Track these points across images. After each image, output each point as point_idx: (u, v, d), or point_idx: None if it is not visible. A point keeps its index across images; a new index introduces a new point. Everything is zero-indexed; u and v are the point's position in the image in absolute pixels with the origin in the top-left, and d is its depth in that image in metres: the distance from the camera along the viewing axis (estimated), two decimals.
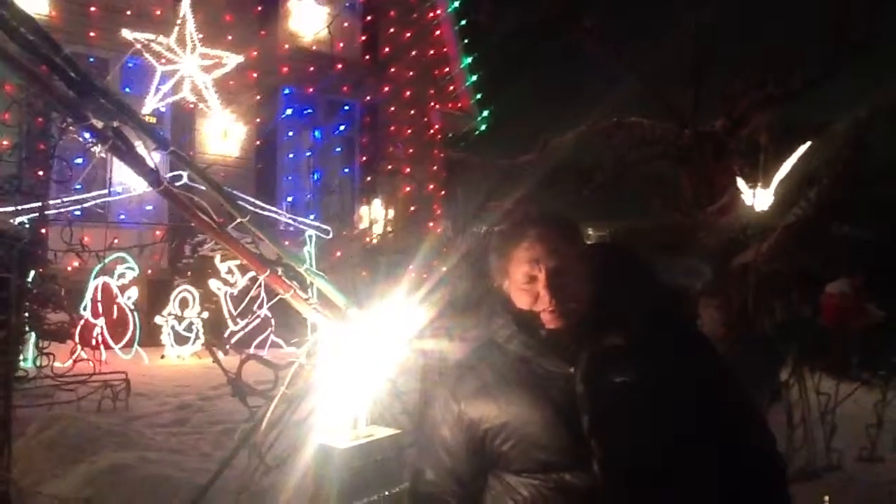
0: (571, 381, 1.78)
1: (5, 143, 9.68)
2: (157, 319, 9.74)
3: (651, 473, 1.72)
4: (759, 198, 10.22)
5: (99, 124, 1.67)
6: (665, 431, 1.73)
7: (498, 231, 1.98)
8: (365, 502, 1.82)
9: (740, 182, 10.37)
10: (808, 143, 10.27)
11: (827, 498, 4.52)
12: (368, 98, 15.26)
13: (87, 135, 1.81)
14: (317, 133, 14.73)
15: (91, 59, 11.82)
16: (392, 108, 15.57)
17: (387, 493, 1.87)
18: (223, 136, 13.01)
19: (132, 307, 9.51)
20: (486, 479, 1.90)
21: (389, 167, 15.39)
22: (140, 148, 1.85)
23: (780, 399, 6.86)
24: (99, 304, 9.11)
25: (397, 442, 1.93)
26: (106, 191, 9.70)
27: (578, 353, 1.79)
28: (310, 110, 14.75)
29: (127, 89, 12.04)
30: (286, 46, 13.99)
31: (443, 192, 16.09)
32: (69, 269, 8.81)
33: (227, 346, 6.18)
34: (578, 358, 1.79)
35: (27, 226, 7.92)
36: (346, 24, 15.01)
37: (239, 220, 1.81)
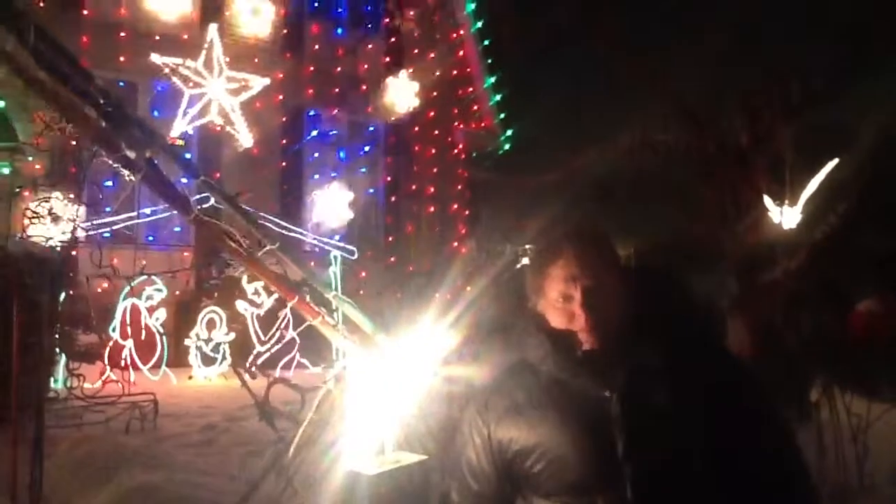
0: (606, 403, 1.76)
1: (38, 167, 9.87)
2: (185, 341, 9.83)
3: (685, 496, 1.70)
4: (786, 216, 10.15)
5: (132, 154, 1.70)
6: (700, 454, 1.71)
7: (535, 249, 1.98)
8: None
9: (767, 200, 10.31)
10: (836, 160, 10.20)
11: None
12: (393, 118, 15.36)
13: (118, 164, 1.85)
14: (341, 154, 14.83)
15: (120, 84, 12.03)
16: (416, 128, 15.64)
17: None
18: (249, 157, 13.16)
19: (160, 329, 9.61)
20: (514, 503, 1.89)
21: (414, 187, 15.45)
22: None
23: (809, 419, 6.76)
24: (128, 326, 9.21)
25: (424, 468, 1.93)
26: (135, 213, 9.83)
27: (614, 374, 1.77)
28: (335, 132, 14.87)
29: (155, 113, 12.23)
30: (311, 69, 14.14)
31: (467, 212, 16.11)
32: (99, 290, 8.92)
33: (254, 369, 6.21)
34: (614, 379, 1.77)
35: (58, 248, 8.06)
36: (370, 46, 15.15)
37: (269, 247, 1.83)
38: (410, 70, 14.48)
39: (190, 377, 9.69)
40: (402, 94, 14.26)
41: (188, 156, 12.18)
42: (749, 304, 9.09)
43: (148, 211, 9.79)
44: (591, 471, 1.74)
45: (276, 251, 1.94)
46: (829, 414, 6.32)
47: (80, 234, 8.52)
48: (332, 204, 13.00)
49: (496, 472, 1.87)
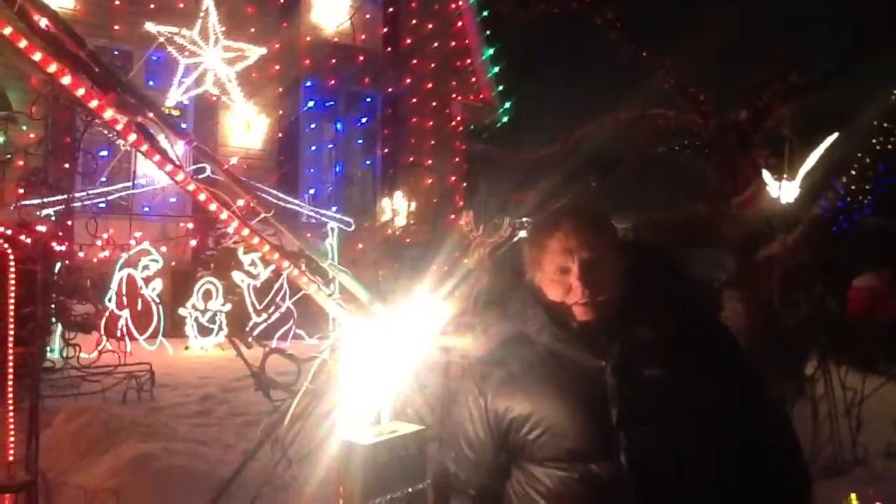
0: (601, 374, 1.77)
1: (31, 136, 9.79)
2: (181, 311, 9.82)
3: (677, 466, 1.72)
4: (784, 190, 10.11)
5: (123, 119, 1.67)
6: (692, 425, 1.74)
7: (533, 222, 1.99)
8: (388, 498, 1.82)
9: (766, 174, 10.26)
10: (835, 135, 10.15)
11: (854, 495, 4.47)
12: (390, 90, 15.25)
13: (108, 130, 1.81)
14: (338, 125, 14.75)
15: (115, 52, 11.91)
16: (414, 100, 15.54)
17: (410, 489, 1.86)
18: (246, 128, 13.07)
19: (156, 299, 9.60)
20: (510, 473, 1.91)
21: (411, 159, 15.38)
22: (163, 142, 1.86)
23: (805, 393, 6.80)
24: (124, 296, 9.19)
25: (420, 438, 1.92)
26: (130, 183, 9.78)
27: (609, 346, 1.79)
28: (331, 102, 14.77)
29: (151, 82, 12.13)
30: (308, 39, 14.01)
31: (465, 184, 16.06)
32: (94, 260, 8.90)
33: (250, 339, 6.22)
34: (609, 351, 1.79)
35: (53, 218, 8.02)
36: (367, 16, 15.00)
37: (263, 214, 1.81)
38: None
39: (186, 347, 9.70)
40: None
41: (184, 126, 12.09)
42: (746, 279, 9.10)
43: (143, 181, 9.75)
44: (586, 439, 1.76)
45: (272, 220, 1.92)
46: (824, 388, 6.36)
47: (75, 204, 8.49)
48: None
49: (492, 441, 1.89)
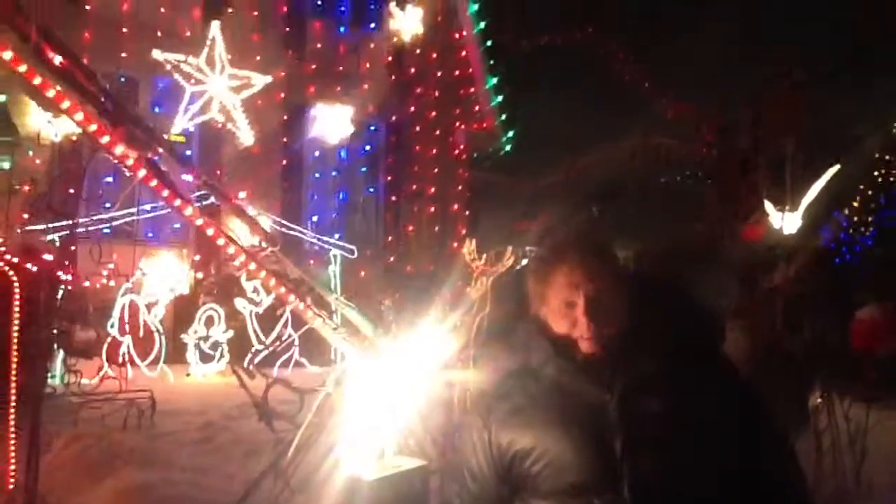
0: (606, 407, 1.77)
1: (38, 161, 9.85)
2: (183, 338, 9.81)
3: (681, 500, 1.72)
4: (787, 220, 10.15)
5: (133, 155, 1.69)
6: (697, 459, 1.73)
7: (536, 254, 1.99)
8: None
9: (768, 204, 10.31)
10: (837, 166, 10.20)
11: None
12: (394, 118, 15.33)
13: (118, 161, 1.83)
14: (342, 153, 14.80)
15: (122, 80, 12.01)
16: (417, 128, 15.62)
17: None
18: (250, 155, 13.13)
19: (159, 325, 9.59)
20: None
21: (414, 187, 15.43)
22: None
23: (809, 425, 6.76)
24: (126, 323, 9.19)
25: (424, 473, 1.92)
26: (134, 209, 9.82)
27: (614, 379, 1.79)
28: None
29: (156, 109, 12.21)
30: (313, 67, 14.12)
31: (467, 213, 16.09)
32: (97, 286, 8.91)
33: (251, 368, 6.21)
34: (614, 384, 1.78)
35: (57, 243, 8.06)
36: (372, 45, 15.13)
37: (270, 249, 1.82)
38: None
39: (188, 374, 9.67)
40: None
41: (189, 153, 12.15)
42: (749, 309, 9.10)
43: (148, 207, 9.78)
44: (589, 473, 1.75)
45: (278, 254, 1.93)
46: (827, 419, 6.33)
47: (80, 229, 8.52)
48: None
49: (496, 474, 1.89)
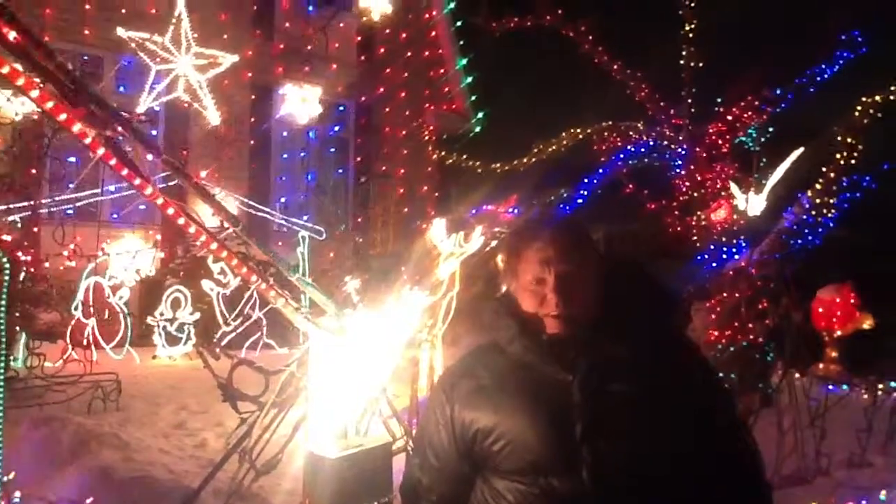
0: (569, 388, 1.79)
1: None
2: (149, 320, 9.70)
3: (640, 482, 1.74)
4: (751, 203, 10.27)
5: (91, 133, 1.66)
6: (656, 442, 1.76)
7: (512, 230, 1.99)
8: None
9: (733, 187, 10.42)
10: (801, 149, 10.33)
11: None
12: (363, 99, 15.23)
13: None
14: (311, 134, 14.69)
15: (84, 58, 11.79)
16: (387, 109, 15.53)
17: (376, 502, 1.87)
18: (217, 135, 12.97)
19: (124, 307, 9.47)
20: (473, 483, 1.93)
21: (384, 168, 15.36)
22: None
23: (770, 404, 6.89)
24: (91, 305, 9.06)
25: (386, 451, 1.94)
26: (98, 190, 9.67)
27: (577, 360, 1.80)
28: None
29: (121, 88, 12.01)
30: (281, 46, 13.95)
31: (437, 194, 16.07)
32: (61, 268, 8.78)
33: (218, 350, 6.16)
34: (577, 366, 1.80)
35: (19, 224, 7.92)
36: (341, 25, 14.98)
37: (231, 229, 1.81)
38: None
39: (154, 357, 9.58)
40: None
41: (154, 132, 11.97)
42: (714, 291, 9.21)
43: (112, 188, 9.64)
44: (550, 453, 1.77)
45: (240, 234, 1.92)
46: (788, 398, 6.46)
47: (42, 210, 8.38)
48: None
49: (457, 451, 1.91)
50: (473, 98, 17.01)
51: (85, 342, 8.57)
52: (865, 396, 7.86)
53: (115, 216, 11.43)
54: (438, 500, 1.95)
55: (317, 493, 1.79)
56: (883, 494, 5.33)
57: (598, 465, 1.73)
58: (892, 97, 9.55)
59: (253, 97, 13.56)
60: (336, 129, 15.21)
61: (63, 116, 1.61)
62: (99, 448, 4.96)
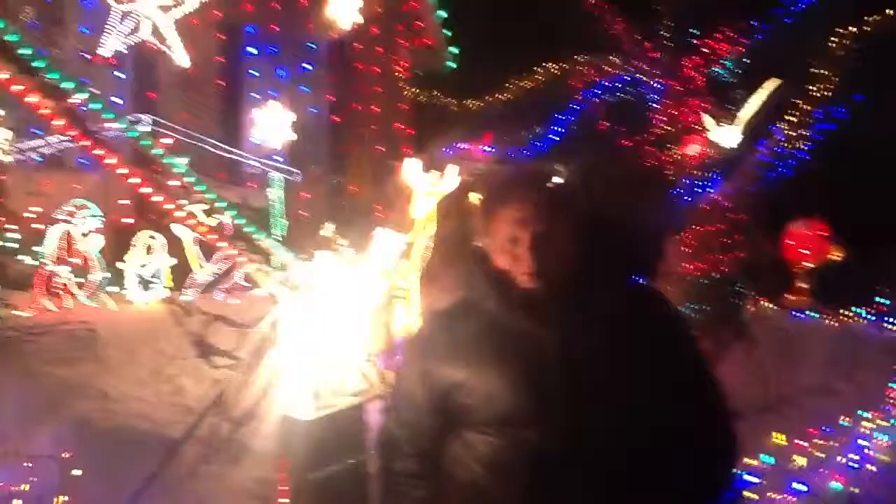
0: (542, 342, 1.81)
1: None
2: (123, 266, 9.57)
3: (612, 435, 1.77)
4: (727, 135, 10.28)
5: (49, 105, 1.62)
6: (631, 399, 1.78)
7: (488, 186, 1.97)
8: (327, 472, 1.85)
9: (708, 120, 10.41)
10: (775, 81, 10.31)
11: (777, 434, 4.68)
12: (335, 35, 14.88)
13: None
14: (281, 72, 14.38)
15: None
16: (359, 46, 15.19)
17: (349, 461, 1.90)
18: (186, 76, 12.66)
19: (96, 253, 9.32)
20: (448, 438, 1.95)
21: (359, 108, 15.13)
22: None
23: (743, 335, 7.04)
24: (62, 251, 8.92)
25: (359, 411, 1.96)
26: (67, 137, 9.44)
27: (553, 316, 1.82)
28: (274, 49, 14.36)
29: (84, 30, 11.62)
30: None
31: (412, 132, 15.89)
32: (30, 215, 8.64)
33: (192, 299, 6.11)
34: (553, 321, 1.81)
35: None
36: None
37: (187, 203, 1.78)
38: None
39: (129, 303, 9.49)
40: (344, 7, 13.29)
41: (122, 76, 11.68)
42: (688, 224, 9.30)
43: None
44: (524, 406, 1.80)
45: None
46: (760, 328, 6.61)
47: (8, 158, 8.21)
48: (273, 122, 12.42)
49: (431, 405, 1.94)
50: (447, 33, 16.67)
51: (58, 290, 8.47)
52: (833, 325, 8.03)
53: (84, 161, 11.20)
54: (415, 454, 1.98)
55: (291, 454, 1.82)
56: (847, 421, 5.50)
57: (571, 417, 1.76)
58: (867, 28, 9.54)
59: (222, 36, 13.21)
60: (308, 67, 14.89)
61: (19, 87, 1.56)
62: (76, 400, 4.96)
